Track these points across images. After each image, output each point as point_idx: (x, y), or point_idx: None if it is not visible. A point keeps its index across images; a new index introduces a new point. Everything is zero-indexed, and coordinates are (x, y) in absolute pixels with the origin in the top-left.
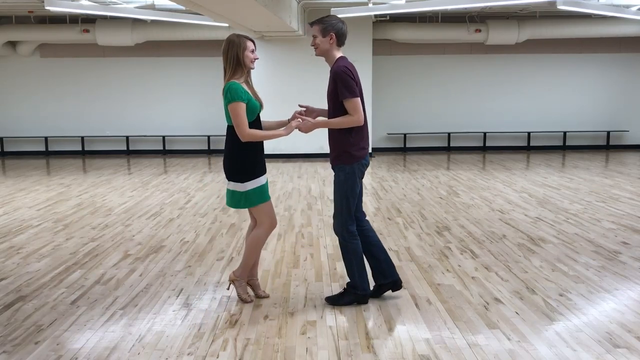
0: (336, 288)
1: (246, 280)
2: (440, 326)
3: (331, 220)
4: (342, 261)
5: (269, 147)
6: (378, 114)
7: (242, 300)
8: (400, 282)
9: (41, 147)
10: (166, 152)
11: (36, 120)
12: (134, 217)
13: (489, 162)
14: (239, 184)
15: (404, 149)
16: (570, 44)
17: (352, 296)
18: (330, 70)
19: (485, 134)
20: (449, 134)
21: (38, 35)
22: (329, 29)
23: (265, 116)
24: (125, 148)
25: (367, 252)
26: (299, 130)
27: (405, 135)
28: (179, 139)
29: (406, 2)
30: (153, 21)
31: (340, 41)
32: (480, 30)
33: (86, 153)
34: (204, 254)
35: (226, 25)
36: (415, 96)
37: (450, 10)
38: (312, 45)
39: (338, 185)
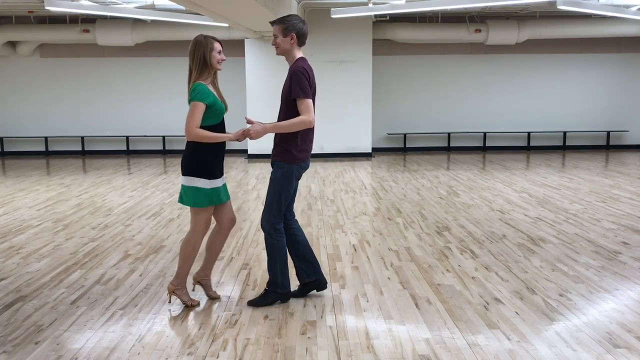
0: (336, 288)
1: (197, 281)
2: (440, 326)
3: (331, 221)
4: (342, 261)
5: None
6: (378, 114)
7: (187, 306)
8: (325, 281)
9: (41, 147)
10: (166, 152)
11: (36, 120)
12: (134, 217)
13: (489, 162)
14: (182, 176)
15: (404, 149)
16: (570, 44)
17: (274, 295)
18: (289, 69)
19: (485, 134)
20: (449, 134)
21: (38, 35)
22: (289, 29)
23: (264, 116)
24: (125, 148)
25: (294, 251)
26: (248, 136)
27: (405, 135)
28: (179, 139)
29: (406, 2)
30: (153, 21)
31: (301, 41)
32: (480, 30)
33: (86, 153)
34: (203, 254)
35: (226, 25)
36: (415, 96)
37: (450, 10)
38: (273, 45)
39: (273, 182)
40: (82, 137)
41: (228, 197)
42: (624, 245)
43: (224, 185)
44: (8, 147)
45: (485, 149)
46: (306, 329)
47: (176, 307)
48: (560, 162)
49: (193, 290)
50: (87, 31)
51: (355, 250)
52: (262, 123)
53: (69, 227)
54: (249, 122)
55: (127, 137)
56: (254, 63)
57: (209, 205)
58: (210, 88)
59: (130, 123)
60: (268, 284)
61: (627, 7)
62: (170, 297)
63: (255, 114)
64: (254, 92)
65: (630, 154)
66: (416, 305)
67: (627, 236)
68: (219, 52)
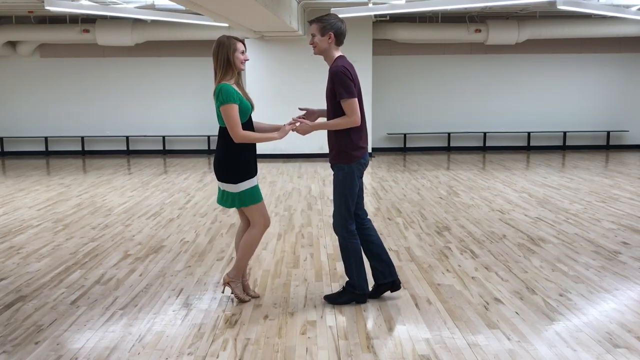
0: (336, 288)
1: (225, 283)
2: (440, 326)
3: (331, 220)
4: (342, 261)
5: (269, 147)
6: (378, 114)
7: (240, 300)
8: (399, 282)
9: (41, 147)
10: (166, 152)
11: (36, 120)
12: (134, 217)
13: (489, 162)
14: (232, 184)
15: (404, 149)
16: (570, 44)
17: (350, 295)
18: (329, 70)
19: (485, 134)
20: (449, 134)
21: (38, 35)
22: (327, 28)
23: (264, 116)
24: (125, 148)
25: (368, 251)
26: (297, 132)
27: (405, 135)
28: (179, 139)
29: (406, 2)
30: (153, 21)
31: (339, 40)
32: (480, 30)
33: (86, 153)
34: (204, 254)
35: (226, 25)
36: (415, 96)
37: (450, 10)
38: (311, 44)
39: (337, 184)
40: (82, 137)
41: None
42: (624, 245)
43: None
44: (8, 147)
45: (485, 149)
46: (306, 329)
47: (176, 306)
48: (560, 162)
49: (222, 292)
50: (87, 31)
51: None
52: (308, 122)
53: (69, 227)
54: (301, 110)
55: (127, 137)
56: (254, 63)
57: (259, 200)
58: (235, 88)
59: (130, 123)
60: (346, 283)
61: (627, 7)
62: (224, 287)
63: (255, 113)
64: (254, 92)
65: (630, 154)
66: (416, 305)
67: (627, 236)
68: (242, 52)
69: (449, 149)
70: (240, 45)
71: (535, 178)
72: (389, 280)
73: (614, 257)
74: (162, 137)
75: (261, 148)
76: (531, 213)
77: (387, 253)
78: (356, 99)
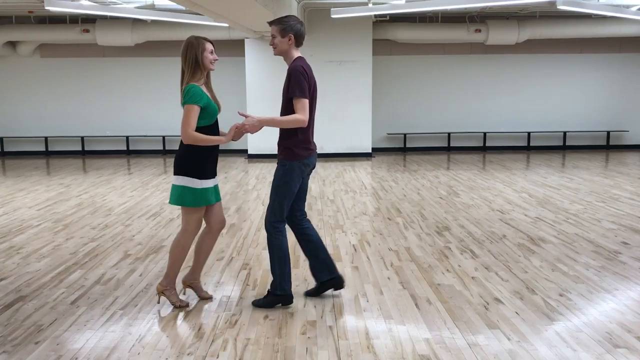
0: None
1: (186, 285)
2: (440, 326)
3: (331, 221)
4: (342, 261)
5: (269, 147)
6: (378, 114)
7: (176, 307)
8: (342, 280)
9: (41, 147)
10: (166, 152)
11: (36, 120)
12: (134, 217)
13: (489, 162)
14: (187, 178)
15: (404, 149)
16: (570, 44)
17: (272, 297)
18: (288, 69)
19: (485, 134)
20: (449, 134)
21: (38, 35)
22: (287, 30)
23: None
24: (125, 148)
25: (307, 250)
26: (246, 130)
27: (405, 135)
28: (179, 139)
29: (406, 2)
30: (153, 21)
31: (299, 42)
32: (480, 30)
33: (86, 153)
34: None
35: (226, 25)
36: (415, 96)
37: (450, 10)
38: (271, 45)
39: (275, 180)
40: (82, 137)
41: (218, 198)
42: (624, 245)
43: (215, 187)
44: (8, 147)
45: (485, 149)
46: (306, 329)
47: (168, 307)
48: (560, 162)
49: (184, 294)
50: (87, 31)
51: (355, 250)
52: (254, 116)
53: (69, 227)
54: (242, 115)
55: (127, 137)
56: (254, 63)
57: (196, 205)
58: (204, 89)
59: (130, 123)
60: (270, 285)
61: (627, 7)
62: (159, 297)
63: (255, 113)
64: (254, 92)
65: (630, 154)
66: (416, 305)
67: (627, 236)
68: (211, 52)
69: (449, 149)
70: (209, 45)
71: (535, 178)
72: (327, 279)
73: (614, 257)
74: (162, 137)
75: (261, 148)
76: (531, 213)
77: (325, 251)
78: (307, 100)
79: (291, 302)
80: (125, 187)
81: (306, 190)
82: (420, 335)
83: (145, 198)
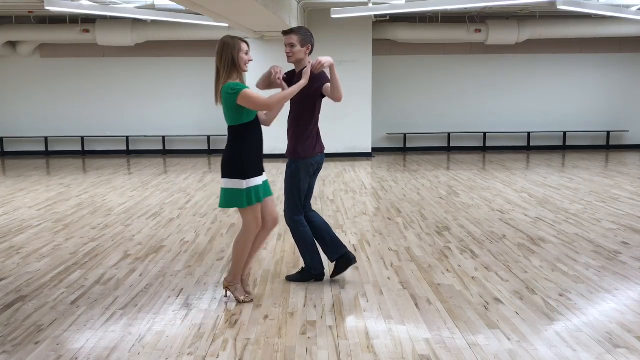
0: (336, 288)
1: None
2: (440, 326)
3: (331, 221)
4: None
5: (269, 147)
6: (378, 114)
7: (239, 301)
8: (353, 256)
9: (41, 147)
10: (166, 152)
11: (36, 120)
12: (134, 217)
13: (489, 162)
14: (232, 180)
15: (404, 149)
16: (570, 44)
17: (309, 274)
18: (305, 73)
19: (485, 134)
20: (449, 134)
21: (38, 35)
22: (307, 41)
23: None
24: (125, 148)
25: (315, 235)
26: (322, 65)
27: (405, 135)
28: (179, 139)
29: (406, 2)
30: (153, 21)
31: (311, 52)
32: (480, 30)
33: (86, 153)
34: (204, 254)
35: (226, 25)
36: (415, 96)
37: (450, 10)
38: (288, 53)
39: (286, 179)
40: (82, 137)
41: (268, 194)
42: (624, 245)
43: (265, 183)
44: (8, 147)
45: (485, 149)
46: (306, 329)
47: (176, 306)
48: (560, 162)
49: (225, 296)
50: (87, 31)
51: (355, 250)
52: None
53: (69, 227)
54: (280, 79)
55: (127, 137)
56: (254, 63)
57: (245, 205)
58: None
59: (130, 123)
60: (305, 265)
61: (627, 7)
62: (225, 292)
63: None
64: (254, 91)
65: (630, 154)
66: (416, 305)
67: (627, 236)
68: (246, 53)
69: (449, 149)
70: (244, 46)
71: (535, 178)
72: (338, 255)
73: (614, 257)
74: (162, 137)
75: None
76: (531, 213)
77: (330, 232)
78: None
79: (323, 278)
80: (125, 187)
81: (312, 187)
82: (420, 335)
83: (145, 198)
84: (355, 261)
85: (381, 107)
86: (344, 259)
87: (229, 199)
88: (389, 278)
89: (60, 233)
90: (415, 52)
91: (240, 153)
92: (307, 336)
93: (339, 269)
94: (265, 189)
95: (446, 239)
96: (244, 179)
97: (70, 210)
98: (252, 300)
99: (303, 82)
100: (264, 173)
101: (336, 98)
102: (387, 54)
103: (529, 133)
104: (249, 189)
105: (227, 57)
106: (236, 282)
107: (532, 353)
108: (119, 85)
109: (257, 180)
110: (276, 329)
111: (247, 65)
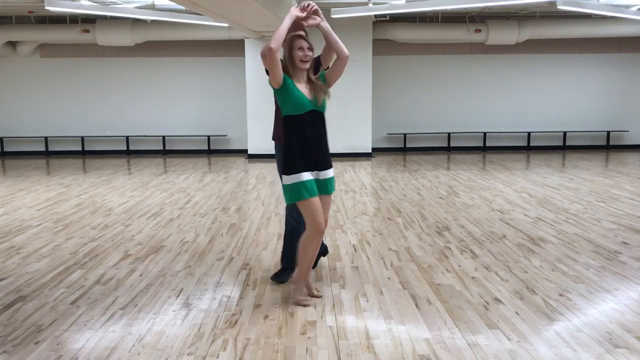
0: (336, 288)
1: (304, 283)
2: (440, 326)
3: (331, 221)
4: (342, 261)
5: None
6: (378, 114)
7: (295, 303)
8: (285, 280)
9: (41, 147)
10: (166, 152)
11: (36, 120)
12: (134, 217)
13: (489, 162)
14: (283, 177)
15: (404, 149)
16: (570, 44)
17: (289, 275)
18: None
19: (485, 134)
20: (449, 134)
21: (38, 35)
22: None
23: (265, 116)
24: (125, 148)
25: (292, 237)
26: (316, 13)
27: (405, 135)
28: (179, 139)
29: (406, 2)
30: (153, 21)
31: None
32: (480, 30)
33: (86, 153)
34: (204, 254)
35: (226, 25)
36: (415, 96)
37: (450, 10)
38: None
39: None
40: (82, 137)
41: (324, 191)
42: (624, 245)
43: (321, 180)
44: (8, 147)
45: (485, 149)
46: (306, 329)
47: (176, 306)
48: (560, 162)
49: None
50: (87, 31)
51: (355, 250)
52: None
53: (69, 227)
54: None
55: (127, 137)
56: (254, 63)
57: (298, 199)
58: (299, 86)
59: (130, 123)
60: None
61: (627, 7)
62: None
63: (255, 113)
64: (254, 92)
65: (630, 154)
66: (416, 305)
67: (627, 236)
68: (300, 49)
69: (449, 149)
70: (299, 42)
71: (535, 178)
72: (288, 267)
73: (614, 257)
74: (162, 137)
75: (261, 148)
76: (531, 213)
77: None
78: None
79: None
80: (125, 187)
81: None
82: (420, 335)
83: (145, 198)
84: (284, 282)
85: (381, 107)
86: (284, 274)
87: (286, 193)
88: (389, 278)
89: (60, 233)
90: (415, 52)
91: (288, 150)
92: (307, 336)
93: (277, 277)
94: (321, 185)
95: (446, 239)
96: (294, 173)
97: (70, 210)
98: (307, 305)
99: (293, 11)
100: (324, 170)
101: (340, 54)
102: (387, 54)
103: (529, 133)
104: (299, 183)
105: (283, 53)
106: (299, 281)
107: (532, 353)
108: (119, 85)
109: (308, 175)
110: (276, 329)
111: (302, 62)
